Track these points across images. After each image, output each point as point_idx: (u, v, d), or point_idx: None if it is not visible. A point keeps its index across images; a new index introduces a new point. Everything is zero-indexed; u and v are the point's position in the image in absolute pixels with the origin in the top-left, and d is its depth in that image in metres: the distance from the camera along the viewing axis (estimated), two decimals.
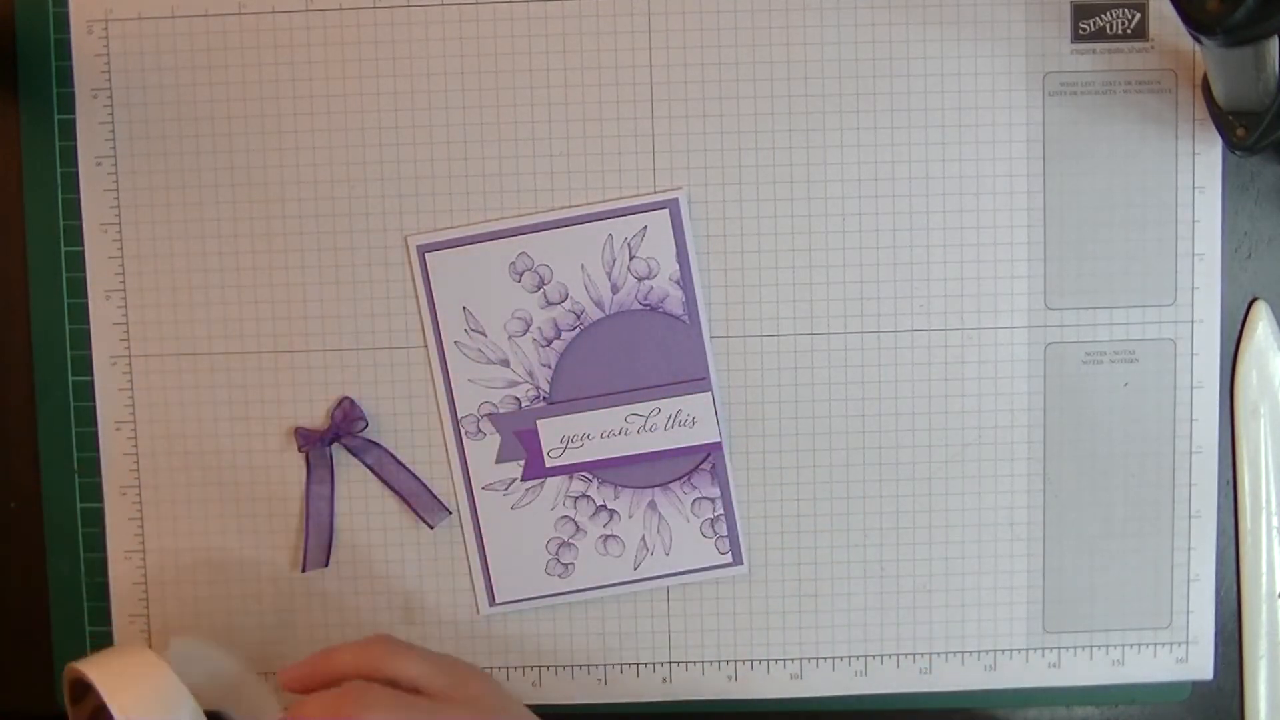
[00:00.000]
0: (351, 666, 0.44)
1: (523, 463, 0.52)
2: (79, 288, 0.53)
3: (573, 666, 0.54)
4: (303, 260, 0.52)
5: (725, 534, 0.53)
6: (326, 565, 0.52)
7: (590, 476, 0.53)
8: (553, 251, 0.52)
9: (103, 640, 0.54)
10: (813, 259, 0.52)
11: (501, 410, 0.52)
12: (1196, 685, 0.54)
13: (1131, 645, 0.54)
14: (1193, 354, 0.53)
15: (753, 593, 0.53)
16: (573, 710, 0.54)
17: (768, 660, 0.53)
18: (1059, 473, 0.53)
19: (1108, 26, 0.51)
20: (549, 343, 0.52)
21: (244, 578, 0.53)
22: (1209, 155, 0.52)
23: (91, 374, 0.53)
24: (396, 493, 0.52)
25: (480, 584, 0.53)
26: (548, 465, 0.52)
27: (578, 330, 0.52)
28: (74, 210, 0.52)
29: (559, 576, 0.53)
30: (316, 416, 0.52)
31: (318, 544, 0.52)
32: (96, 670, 0.43)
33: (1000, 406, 0.53)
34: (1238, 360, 0.53)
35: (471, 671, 0.46)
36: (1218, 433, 0.53)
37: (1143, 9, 0.51)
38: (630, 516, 0.53)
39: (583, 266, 0.52)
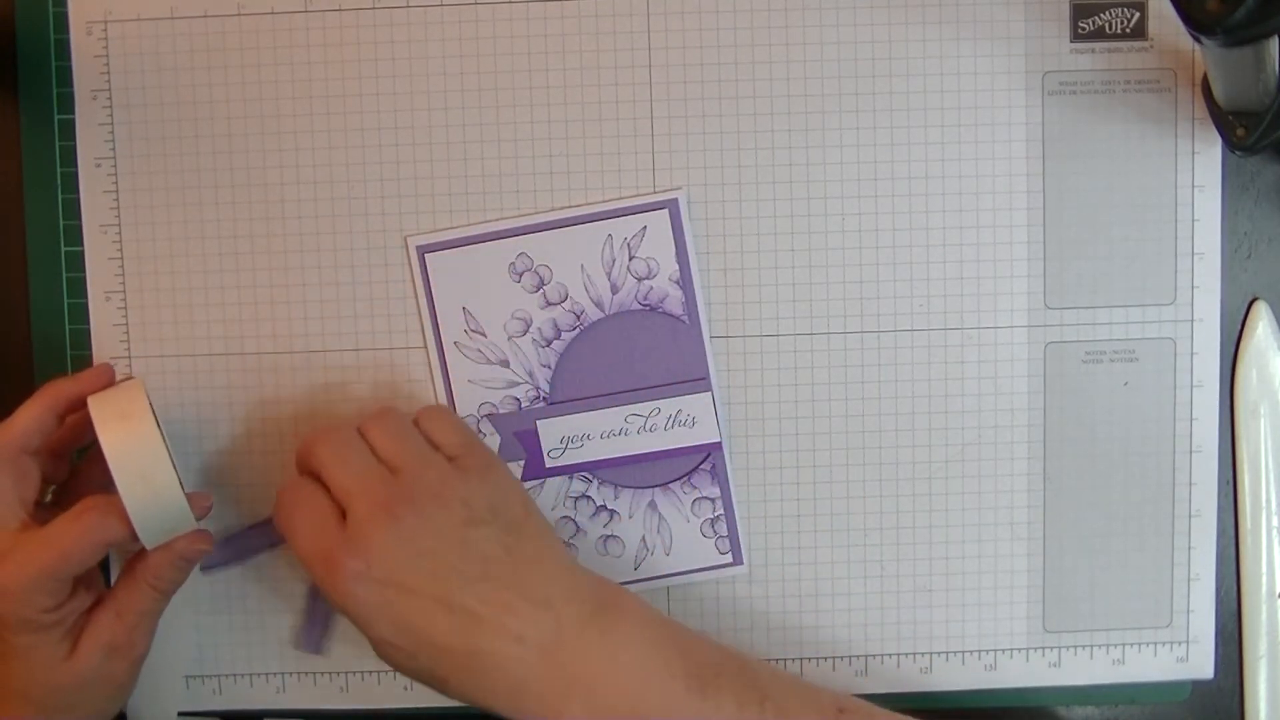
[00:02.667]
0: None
1: (523, 463, 0.52)
2: (79, 288, 0.53)
3: None
4: (303, 260, 0.52)
5: (725, 534, 0.53)
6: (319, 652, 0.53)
7: (590, 477, 0.53)
8: (552, 252, 0.52)
9: None
10: (813, 259, 0.52)
11: (501, 411, 0.52)
12: (1196, 685, 0.54)
13: (1132, 645, 0.54)
14: (1193, 353, 0.53)
15: (753, 593, 0.53)
16: None
17: (767, 660, 0.53)
18: (1059, 472, 0.53)
19: (1107, 26, 0.51)
20: (549, 343, 0.52)
21: (244, 578, 0.53)
22: (1209, 155, 0.52)
23: None
24: None
25: None
26: (548, 466, 0.52)
27: (577, 330, 0.52)
28: (74, 210, 0.52)
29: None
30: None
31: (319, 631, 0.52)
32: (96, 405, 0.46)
33: (1000, 406, 0.53)
34: (1238, 360, 0.53)
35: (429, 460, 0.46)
36: (1218, 432, 0.53)
37: (1142, 8, 0.51)
38: (630, 517, 0.53)
39: (582, 267, 0.52)
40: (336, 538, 0.44)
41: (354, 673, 0.53)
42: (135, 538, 0.45)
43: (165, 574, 0.47)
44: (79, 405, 0.47)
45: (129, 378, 0.48)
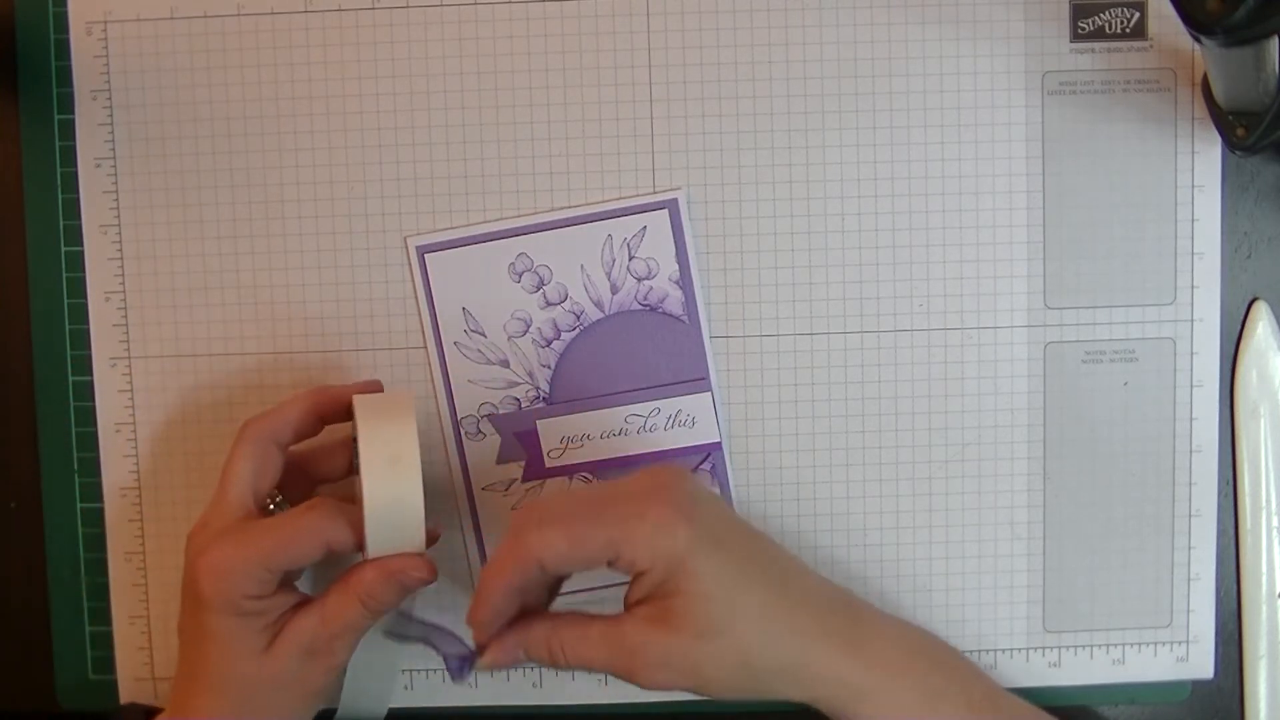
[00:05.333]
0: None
1: (523, 463, 0.52)
2: (79, 288, 0.53)
3: None
4: (303, 260, 0.52)
5: None
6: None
7: (590, 477, 0.53)
8: (552, 252, 0.52)
9: (103, 640, 0.54)
10: (813, 259, 0.52)
11: (501, 411, 0.52)
12: (1196, 685, 0.54)
13: (1132, 644, 0.54)
14: (1192, 353, 0.53)
15: None
16: (573, 710, 0.54)
17: None
18: (1059, 472, 0.53)
19: (1107, 25, 0.51)
20: (549, 343, 0.52)
21: None
22: (1209, 155, 0.52)
23: (91, 374, 0.53)
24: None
25: None
26: (548, 466, 0.52)
27: (577, 331, 0.52)
28: (74, 210, 0.52)
29: None
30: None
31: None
32: (362, 407, 0.45)
33: (1000, 406, 0.53)
34: (1238, 360, 0.53)
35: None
36: (1218, 432, 0.53)
37: (1142, 8, 0.51)
38: None
39: (582, 267, 0.52)
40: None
41: None
42: (358, 547, 0.44)
43: (378, 593, 0.44)
44: (341, 415, 0.47)
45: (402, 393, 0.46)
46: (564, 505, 0.43)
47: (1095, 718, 0.55)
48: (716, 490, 0.52)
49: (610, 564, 0.42)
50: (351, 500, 0.46)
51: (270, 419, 0.46)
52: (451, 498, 0.53)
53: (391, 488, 0.43)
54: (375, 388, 0.48)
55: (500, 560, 0.42)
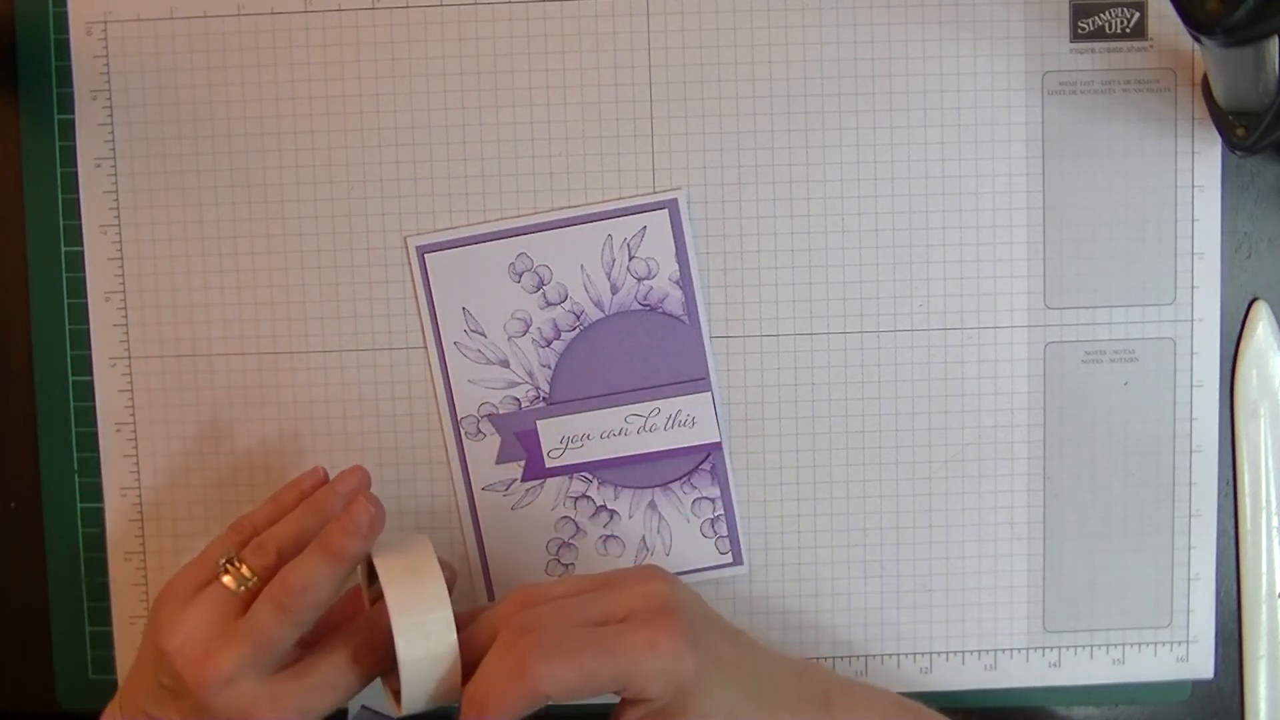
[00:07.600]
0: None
1: (523, 463, 0.52)
2: (79, 288, 0.53)
3: None
4: (302, 260, 0.52)
5: (725, 534, 0.53)
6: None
7: (590, 477, 0.53)
8: (552, 252, 0.52)
9: (103, 640, 0.54)
10: (812, 259, 0.52)
11: (501, 411, 0.52)
12: (1196, 685, 0.54)
13: (1132, 644, 0.54)
14: (1193, 353, 0.53)
15: (753, 593, 0.53)
16: (573, 710, 0.54)
17: None
18: (1059, 472, 0.53)
19: (1107, 25, 0.51)
20: (549, 343, 0.52)
21: None
22: (1209, 155, 0.52)
23: (91, 374, 0.53)
24: None
25: (480, 584, 0.53)
26: (548, 466, 0.52)
27: (577, 331, 0.52)
28: (74, 210, 0.52)
29: (559, 577, 0.53)
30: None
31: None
32: (382, 560, 0.44)
33: (1000, 406, 0.53)
34: (1238, 360, 0.53)
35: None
36: (1218, 432, 0.53)
37: (1142, 8, 0.51)
38: (630, 517, 0.53)
39: (582, 267, 0.52)
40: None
41: None
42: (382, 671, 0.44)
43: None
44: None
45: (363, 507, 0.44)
46: (567, 632, 0.41)
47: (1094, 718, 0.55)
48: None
49: (616, 692, 0.41)
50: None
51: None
52: (451, 498, 0.53)
53: (426, 647, 0.42)
54: (360, 479, 0.46)
55: (506, 693, 0.40)
